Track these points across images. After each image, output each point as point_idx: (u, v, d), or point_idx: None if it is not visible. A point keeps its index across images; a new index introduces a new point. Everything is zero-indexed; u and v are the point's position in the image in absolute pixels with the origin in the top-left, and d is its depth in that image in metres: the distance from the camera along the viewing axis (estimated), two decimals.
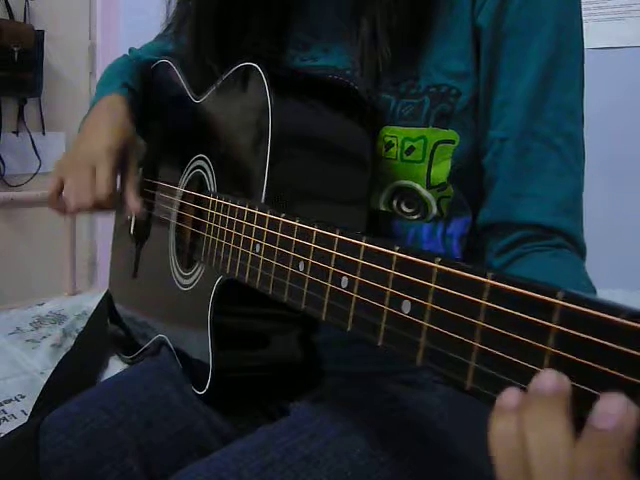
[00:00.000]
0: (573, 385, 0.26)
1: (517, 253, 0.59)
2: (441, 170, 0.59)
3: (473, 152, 0.61)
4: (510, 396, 0.29)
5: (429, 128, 0.58)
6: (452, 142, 0.59)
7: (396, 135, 0.59)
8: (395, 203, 0.62)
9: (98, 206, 0.69)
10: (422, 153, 0.59)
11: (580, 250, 0.60)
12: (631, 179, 1.27)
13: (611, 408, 0.24)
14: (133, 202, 0.72)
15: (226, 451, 0.57)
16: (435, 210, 0.61)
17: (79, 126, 0.80)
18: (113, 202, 0.69)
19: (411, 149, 0.59)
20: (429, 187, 0.60)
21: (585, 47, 0.61)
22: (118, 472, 0.60)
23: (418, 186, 0.60)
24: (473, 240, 0.64)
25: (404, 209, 0.62)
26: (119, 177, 0.73)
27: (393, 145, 0.60)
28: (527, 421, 0.27)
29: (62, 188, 0.70)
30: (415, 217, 0.62)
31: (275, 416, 0.68)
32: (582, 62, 0.60)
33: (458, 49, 0.59)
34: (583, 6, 0.61)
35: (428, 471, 0.57)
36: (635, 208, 1.25)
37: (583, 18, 0.61)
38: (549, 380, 0.27)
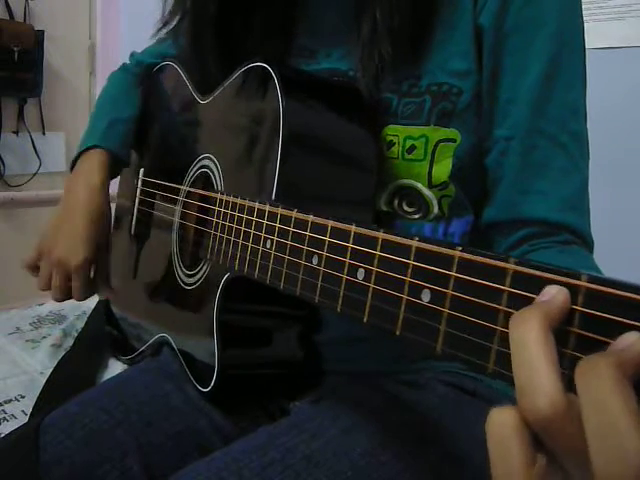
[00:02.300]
0: None
1: (524, 250, 0.59)
2: (442, 169, 0.59)
3: (475, 151, 0.61)
4: None
5: (430, 127, 0.58)
6: (454, 141, 0.59)
7: (398, 134, 0.59)
8: (396, 202, 0.62)
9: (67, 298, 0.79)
10: (423, 152, 0.59)
11: (588, 245, 0.60)
12: (632, 179, 1.27)
13: (627, 337, 0.25)
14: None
15: (226, 451, 0.57)
16: (436, 209, 0.61)
17: (66, 185, 0.83)
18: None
19: (412, 148, 0.59)
20: (430, 186, 0.60)
21: (586, 47, 0.61)
22: (118, 472, 0.60)
23: (419, 185, 0.60)
24: (476, 238, 0.64)
25: (405, 208, 0.62)
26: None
27: (394, 144, 0.60)
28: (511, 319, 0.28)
29: (38, 259, 0.79)
30: (417, 216, 0.62)
31: (276, 416, 0.68)
32: (584, 61, 0.60)
33: (460, 49, 0.59)
34: (583, 6, 0.61)
35: (428, 471, 0.57)
36: (637, 207, 1.25)
37: (583, 18, 0.61)
38: (546, 291, 0.28)
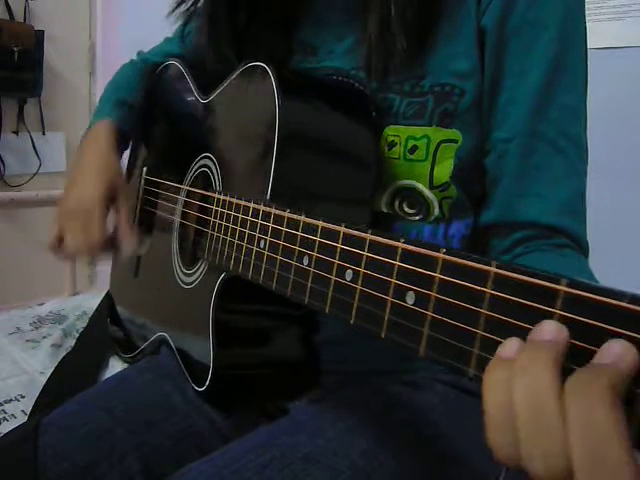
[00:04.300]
0: (572, 368, 0.26)
1: (519, 252, 0.59)
2: (444, 170, 0.59)
3: (476, 152, 0.61)
4: (508, 345, 0.28)
5: (433, 127, 0.58)
6: (455, 141, 0.59)
7: (399, 134, 0.59)
8: (397, 204, 0.62)
9: (94, 251, 0.73)
10: (425, 152, 0.59)
11: (584, 250, 0.60)
12: (632, 179, 1.27)
13: (613, 347, 0.24)
14: (128, 238, 0.75)
15: (225, 450, 0.57)
16: (437, 211, 0.61)
17: (76, 153, 0.83)
18: (108, 245, 0.74)
19: (414, 148, 0.59)
20: (431, 187, 0.60)
21: (588, 51, 0.61)
22: (117, 472, 0.60)
23: (420, 186, 0.60)
24: (474, 241, 0.64)
25: (406, 209, 0.62)
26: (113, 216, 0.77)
27: (396, 144, 0.60)
28: (517, 366, 0.26)
29: (62, 236, 0.74)
30: (417, 218, 0.62)
31: (275, 416, 0.68)
32: (586, 64, 0.60)
33: (464, 49, 0.59)
34: None
35: (428, 471, 0.57)
36: (637, 207, 1.25)
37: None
38: (547, 327, 0.27)
